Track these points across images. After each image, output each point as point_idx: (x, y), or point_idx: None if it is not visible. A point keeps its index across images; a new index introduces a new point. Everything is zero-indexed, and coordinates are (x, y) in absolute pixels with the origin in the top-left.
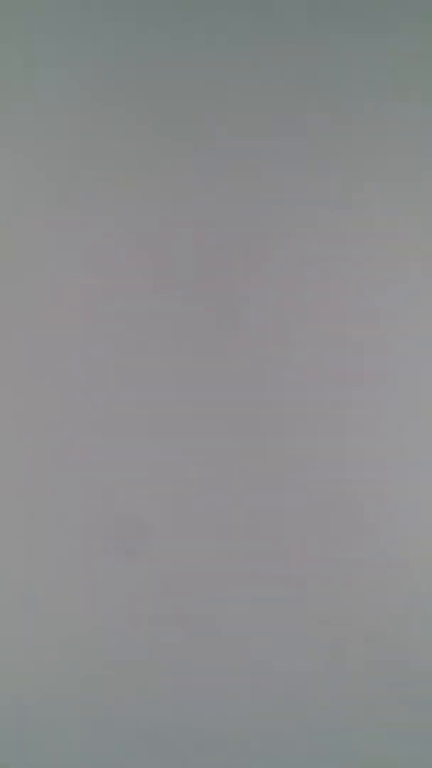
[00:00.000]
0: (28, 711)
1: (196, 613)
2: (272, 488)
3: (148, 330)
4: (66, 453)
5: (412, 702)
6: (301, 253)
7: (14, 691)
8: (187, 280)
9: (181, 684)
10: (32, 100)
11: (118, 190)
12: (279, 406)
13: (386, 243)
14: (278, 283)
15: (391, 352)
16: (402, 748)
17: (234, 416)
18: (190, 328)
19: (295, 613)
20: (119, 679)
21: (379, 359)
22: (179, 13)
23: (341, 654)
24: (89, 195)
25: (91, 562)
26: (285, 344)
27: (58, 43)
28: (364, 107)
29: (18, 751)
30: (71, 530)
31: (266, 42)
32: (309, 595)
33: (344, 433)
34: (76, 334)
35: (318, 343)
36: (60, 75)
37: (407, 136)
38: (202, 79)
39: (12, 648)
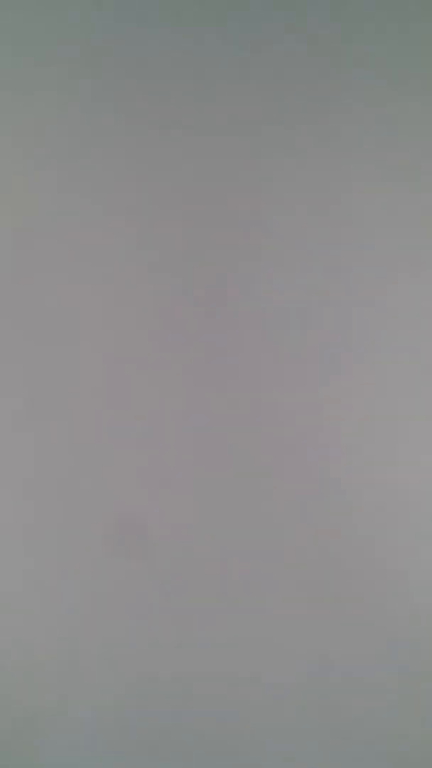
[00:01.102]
0: (28, 711)
1: (196, 612)
2: (273, 485)
3: (146, 325)
4: (65, 452)
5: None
6: (298, 244)
7: (14, 691)
8: (185, 273)
9: (181, 683)
10: (30, 89)
11: (115, 183)
12: (277, 399)
13: (385, 236)
14: (275, 275)
15: (390, 345)
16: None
17: (232, 412)
18: (188, 323)
19: (296, 611)
20: (119, 677)
21: (378, 350)
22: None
23: (342, 653)
24: (86, 184)
25: (91, 563)
26: (283, 336)
27: (57, 29)
28: (362, 96)
29: (16, 751)
30: (71, 531)
31: (265, 27)
32: (309, 594)
33: (344, 431)
34: (73, 331)
35: (315, 335)
36: (58, 61)
37: (408, 126)
38: (200, 67)
39: (11, 648)
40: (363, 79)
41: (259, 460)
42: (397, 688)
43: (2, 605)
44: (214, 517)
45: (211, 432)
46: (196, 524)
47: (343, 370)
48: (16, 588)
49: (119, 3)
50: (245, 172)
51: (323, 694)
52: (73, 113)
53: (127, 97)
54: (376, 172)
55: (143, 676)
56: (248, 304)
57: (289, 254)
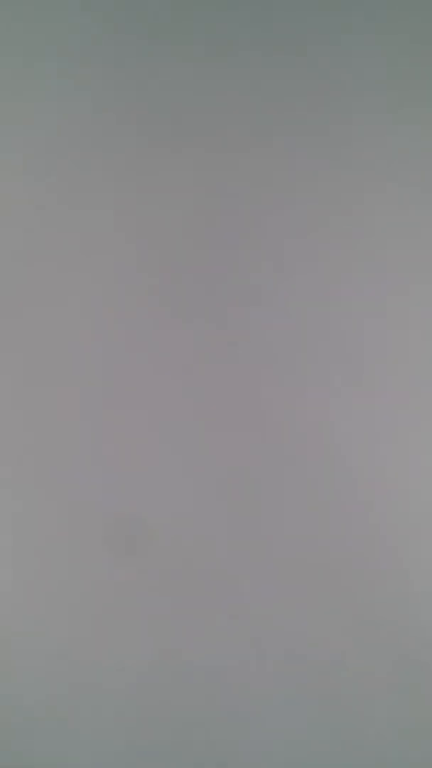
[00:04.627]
0: (28, 711)
1: (196, 613)
2: (273, 486)
3: (147, 326)
4: (66, 452)
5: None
6: (303, 247)
7: (13, 691)
8: (187, 275)
9: (181, 683)
10: (30, 92)
11: (116, 187)
12: (279, 402)
13: (390, 237)
14: (279, 279)
15: (393, 346)
16: (402, 738)
17: (234, 414)
18: (190, 325)
19: (296, 610)
20: (119, 678)
21: (381, 352)
22: (180, 3)
23: (343, 649)
24: (87, 187)
25: (91, 562)
26: (285, 340)
27: (58, 33)
28: (365, 100)
29: (13, 751)
30: (72, 530)
31: (267, 33)
32: (310, 594)
33: (345, 431)
34: (75, 332)
35: (319, 338)
36: (59, 65)
37: (411, 126)
38: (202, 69)
39: (11, 648)
40: (365, 85)
41: (260, 458)
42: (408, 715)
43: (1, 606)
44: (215, 522)
45: (213, 438)
46: (197, 529)
47: (345, 375)
48: (14, 589)
49: (121, 16)
50: (247, 181)
51: (328, 698)
52: (74, 121)
53: (129, 107)
54: (381, 179)
55: (143, 681)
56: (251, 312)
57: (292, 263)
